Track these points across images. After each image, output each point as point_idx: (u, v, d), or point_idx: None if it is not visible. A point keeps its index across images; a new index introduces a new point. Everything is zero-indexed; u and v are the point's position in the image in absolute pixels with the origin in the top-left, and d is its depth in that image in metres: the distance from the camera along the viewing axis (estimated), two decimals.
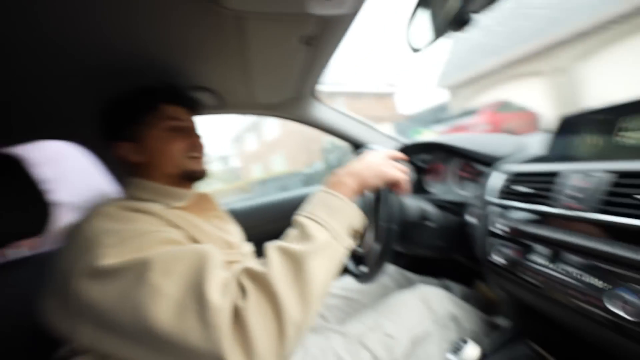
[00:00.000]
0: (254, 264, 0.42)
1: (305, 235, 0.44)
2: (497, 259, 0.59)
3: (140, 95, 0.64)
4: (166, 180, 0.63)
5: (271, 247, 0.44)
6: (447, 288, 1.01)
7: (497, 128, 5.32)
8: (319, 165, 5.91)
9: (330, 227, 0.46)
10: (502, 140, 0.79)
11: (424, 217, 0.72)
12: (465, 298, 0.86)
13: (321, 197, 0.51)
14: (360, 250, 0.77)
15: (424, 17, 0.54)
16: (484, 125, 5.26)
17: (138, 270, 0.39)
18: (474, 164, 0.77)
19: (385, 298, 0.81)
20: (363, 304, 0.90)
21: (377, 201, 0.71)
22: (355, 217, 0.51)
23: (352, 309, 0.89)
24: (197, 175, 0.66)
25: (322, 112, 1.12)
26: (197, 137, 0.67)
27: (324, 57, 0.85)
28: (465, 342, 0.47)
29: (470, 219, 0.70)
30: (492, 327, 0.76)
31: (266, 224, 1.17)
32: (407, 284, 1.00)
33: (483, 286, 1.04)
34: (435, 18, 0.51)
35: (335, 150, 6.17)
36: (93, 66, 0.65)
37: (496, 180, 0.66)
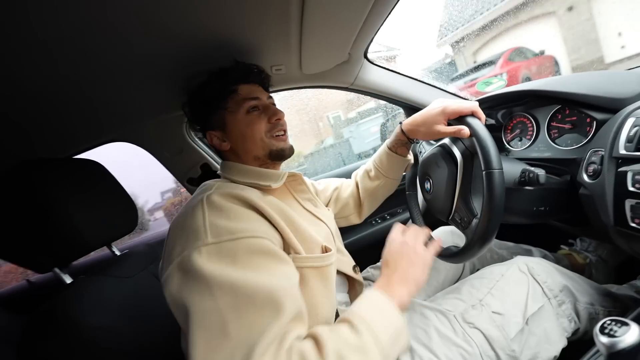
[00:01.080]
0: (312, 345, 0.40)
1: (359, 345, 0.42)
2: None
3: (215, 80, 0.63)
4: (257, 162, 0.64)
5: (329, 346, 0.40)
6: (527, 253, 0.95)
7: (515, 77, 4.99)
8: (330, 140, 5.91)
9: (380, 341, 0.43)
10: (619, 79, 0.67)
11: (524, 181, 0.63)
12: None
13: (376, 306, 0.49)
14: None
15: None
16: (505, 75, 4.93)
17: (220, 288, 0.40)
18: (587, 111, 0.65)
19: (478, 271, 0.75)
20: (438, 270, 0.85)
21: (465, 175, 0.63)
22: (405, 337, 0.49)
23: (431, 278, 0.83)
24: (285, 153, 0.65)
25: (373, 74, 1.00)
26: (277, 114, 0.64)
27: (386, 8, 0.72)
28: (620, 322, 0.39)
29: (587, 178, 0.60)
30: (608, 296, 0.69)
31: None
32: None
33: (569, 251, 0.97)
34: None
35: (346, 124, 6.03)
36: (161, 57, 0.59)
37: (627, 129, 0.55)
